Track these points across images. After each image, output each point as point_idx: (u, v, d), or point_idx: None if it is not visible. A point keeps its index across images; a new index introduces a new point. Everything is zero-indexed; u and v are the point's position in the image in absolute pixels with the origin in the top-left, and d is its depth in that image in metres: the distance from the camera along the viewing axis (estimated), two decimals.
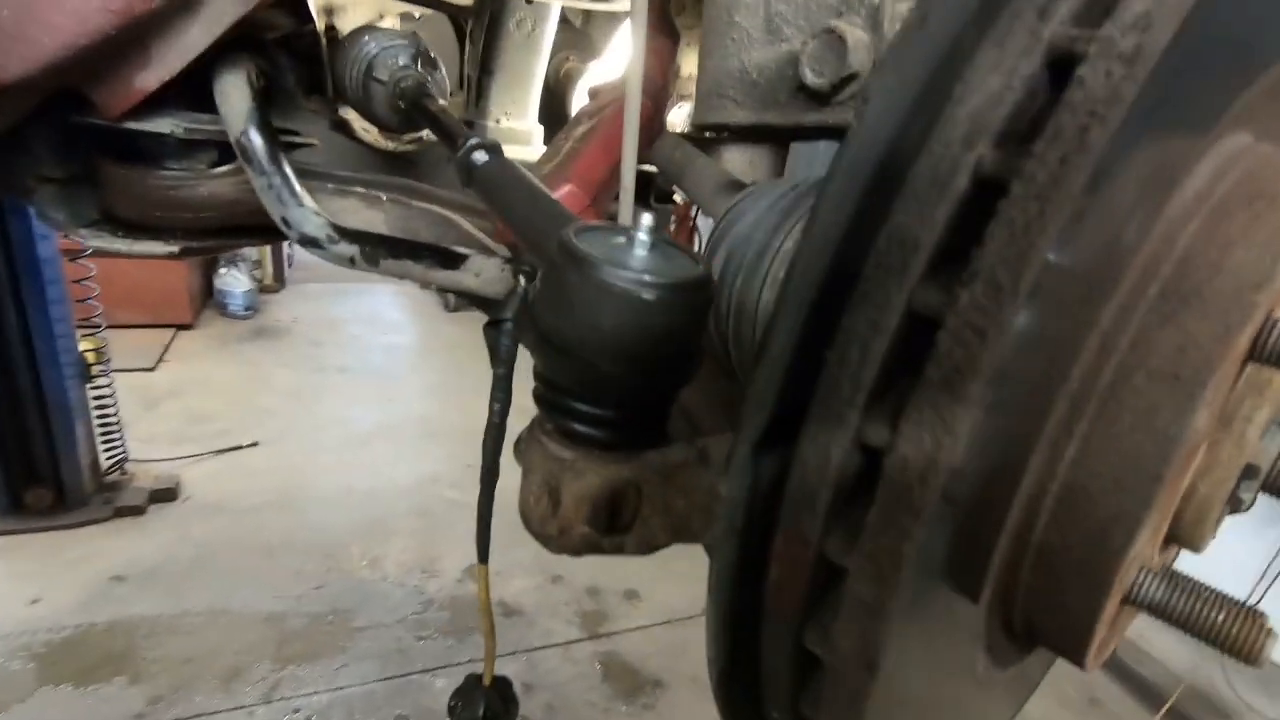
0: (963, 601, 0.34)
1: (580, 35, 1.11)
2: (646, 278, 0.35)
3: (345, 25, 0.78)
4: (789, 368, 0.29)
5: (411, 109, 0.67)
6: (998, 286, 0.23)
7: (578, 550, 0.41)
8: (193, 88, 0.63)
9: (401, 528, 3.23)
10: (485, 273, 0.68)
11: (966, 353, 0.24)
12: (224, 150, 0.67)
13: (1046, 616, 0.34)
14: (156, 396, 3.93)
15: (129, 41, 0.56)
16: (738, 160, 0.66)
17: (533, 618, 2.72)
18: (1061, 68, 0.25)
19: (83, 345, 2.71)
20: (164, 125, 0.62)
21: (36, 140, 0.63)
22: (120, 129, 0.60)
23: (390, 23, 0.81)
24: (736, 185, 0.61)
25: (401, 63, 0.70)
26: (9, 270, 2.39)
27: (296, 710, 2.27)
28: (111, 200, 0.66)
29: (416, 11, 0.86)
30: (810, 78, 0.50)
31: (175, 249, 0.67)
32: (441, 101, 0.68)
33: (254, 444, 3.48)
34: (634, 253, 0.37)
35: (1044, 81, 0.26)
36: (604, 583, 2.89)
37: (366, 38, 0.72)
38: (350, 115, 0.80)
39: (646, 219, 0.37)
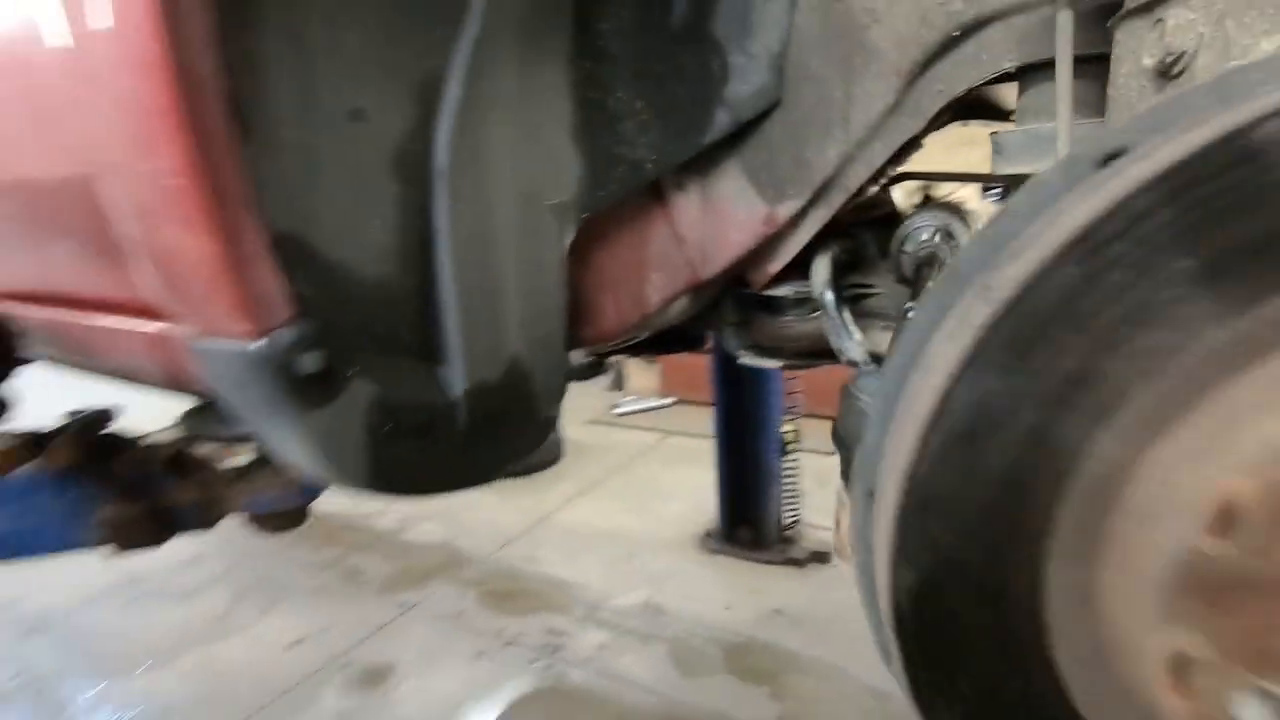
0: None
1: None
2: None
3: (902, 205, 1.09)
4: None
5: (918, 273, 0.91)
6: None
7: None
8: (799, 263, 1.04)
9: None
10: None
11: None
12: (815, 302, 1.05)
13: None
14: (826, 476, 4.81)
15: (767, 244, 1.00)
16: None
17: None
18: None
19: (785, 427, 3.69)
20: (783, 290, 1.05)
21: (724, 303, 1.15)
22: (760, 294, 1.06)
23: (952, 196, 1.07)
24: None
25: (923, 238, 0.95)
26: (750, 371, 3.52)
27: None
28: (755, 335, 1.13)
29: None
30: None
31: (780, 364, 1.09)
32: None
33: None
34: None
35: None
36: None
37: (910, 218, 1.00)
38: None
39: None
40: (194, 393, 1.02)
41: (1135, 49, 0.56)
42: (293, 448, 0.63)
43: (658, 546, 3.93)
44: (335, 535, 4.14)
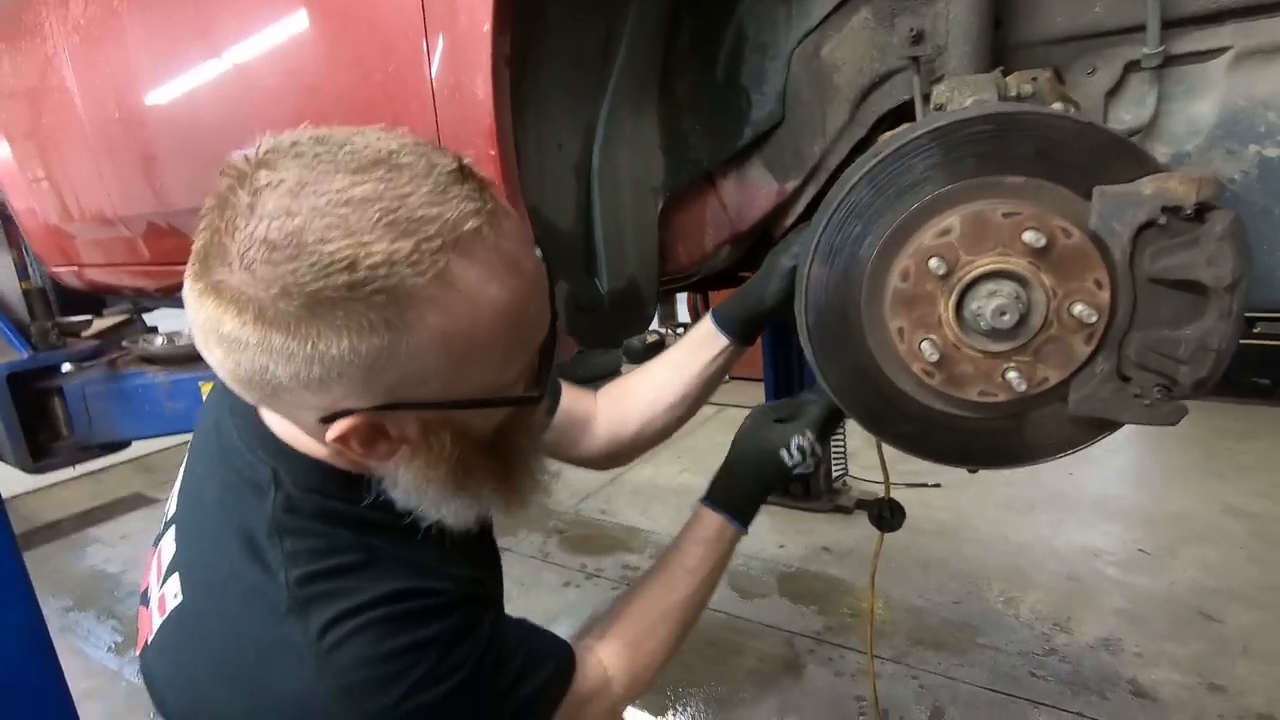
0: None
1: None
2: None
3: None
4: None
5: None
6: None
7: None
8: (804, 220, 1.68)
9: (1044, 583, 3.61)
10: None
11: None
12: None
13: None
14: (871, 437, 5.35)
15: (781, 208, 1.64)
16: None
17: (1165, 709, 2.73)
18: None
19: None
20: None
21: (758, 251, 1.79)
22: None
23: None
24: None
25: None
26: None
27: (915, 678, 3.05)
28: None
29: None
30: None
31: None
32: None
33: (937, 485, 4.44)
34: None
35: None
36: None
37: None
38: None
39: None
40: None
41: (933, 102, 1.20)
42: None
43: None
44: None
